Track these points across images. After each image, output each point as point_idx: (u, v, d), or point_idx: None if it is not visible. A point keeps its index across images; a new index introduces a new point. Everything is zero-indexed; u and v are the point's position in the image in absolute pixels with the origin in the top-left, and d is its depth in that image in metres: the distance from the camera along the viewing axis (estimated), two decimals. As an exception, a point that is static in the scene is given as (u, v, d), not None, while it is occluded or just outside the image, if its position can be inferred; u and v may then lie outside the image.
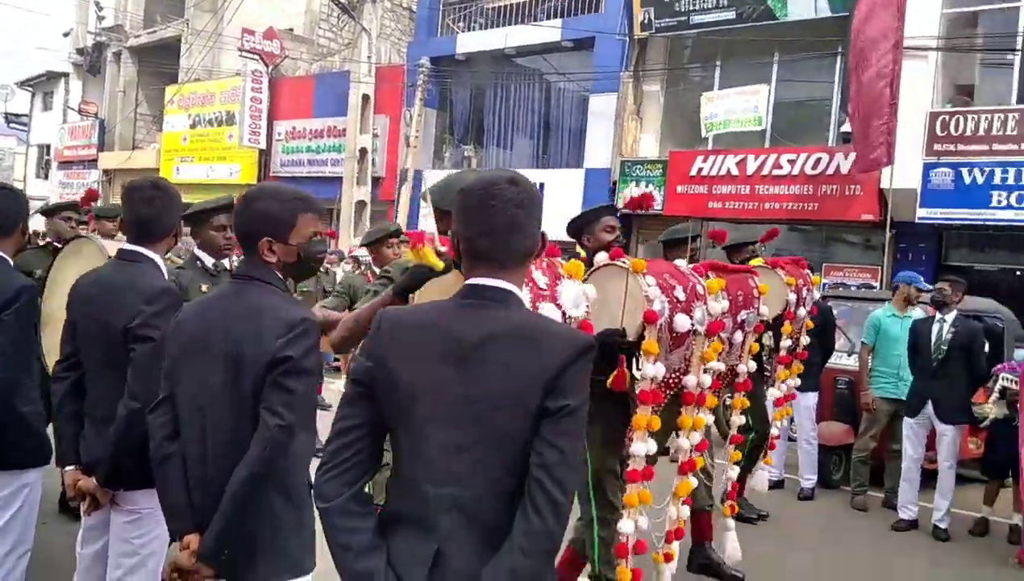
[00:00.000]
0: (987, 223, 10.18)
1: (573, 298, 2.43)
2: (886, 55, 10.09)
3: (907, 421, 6.01)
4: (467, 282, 1.64)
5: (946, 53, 10.98)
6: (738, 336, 3.64)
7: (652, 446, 3.04)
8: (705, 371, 3.28)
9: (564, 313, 2.36)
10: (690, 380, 3.21)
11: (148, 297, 2.46)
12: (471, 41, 16.40)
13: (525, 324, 1.59)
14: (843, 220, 11.47)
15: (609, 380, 2.83)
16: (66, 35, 28.30)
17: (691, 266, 3.59)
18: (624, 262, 3.05)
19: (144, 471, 2.25)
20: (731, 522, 4.23)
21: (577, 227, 3.84)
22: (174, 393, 2.14)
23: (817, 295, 4.93)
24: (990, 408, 5.64)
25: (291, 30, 21.71)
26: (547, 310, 2.27)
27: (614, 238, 3.65)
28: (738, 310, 3.61)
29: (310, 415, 2.17)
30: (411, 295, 2.36)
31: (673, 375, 3.13)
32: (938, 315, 5.94)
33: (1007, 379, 5.71)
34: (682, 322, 3.01)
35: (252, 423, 2.02)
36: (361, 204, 17.37)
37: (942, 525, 5.82)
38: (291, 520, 2.09)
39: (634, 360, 2.97)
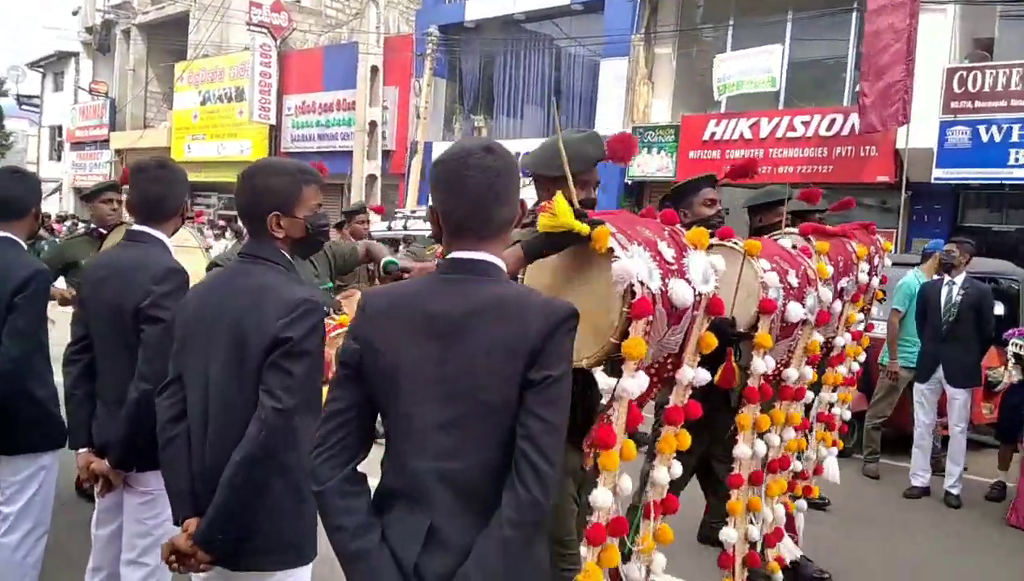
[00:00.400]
0: (1004, 182, 10.01)
1: (702, 272, 2.27)
2: (902, 8, 9.88)
3: (918, 387, 5.95)
4: (448, 256, 1.63)
5: (964, 6, 10.73)
6: (837, 306, 3.38)
7: (760, 447, 2.84)
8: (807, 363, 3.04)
9: (694, 289, 2.22)
10: (791, 373, 3.01)
11: (157, 277, 2.46)
12: (480, 7, 16.20)
13: (505, 296, 1.58)
14: (858, 182, 11.31)
15: (716, 376, 2.57)
16: (75, 13, 28.27)
17: (788, 233, 3.36)
18: (737, 243, 2.80)
19: (156, 452, 2.23)
20: (803, 503, 3.88)
21: (673, 200, 3.36)
22: (181, 375, 2.13)
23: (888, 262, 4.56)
24: (1004, 372, 5.59)
25: (298, 2, 21.58)
26: (678, 288, 2.15)
27: (714, 213, 3.24)
28: (838, 278, 3.37)
29: (312, 398, 2.12)
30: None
31: (775, 368, 2.90)
32: (947, 278, 5.87)
33: (1017, 345, 5.65)
34: (795, 311, 2.81)
35: (253, 405, 2.00)
36: (372, 178, 17.35)
37: (954, 491, 5.78)
38: (291, 505, 2.07)
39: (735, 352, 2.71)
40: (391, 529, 1.59)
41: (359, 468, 1.66)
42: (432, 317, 1.57)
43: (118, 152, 25.30)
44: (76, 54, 28.63)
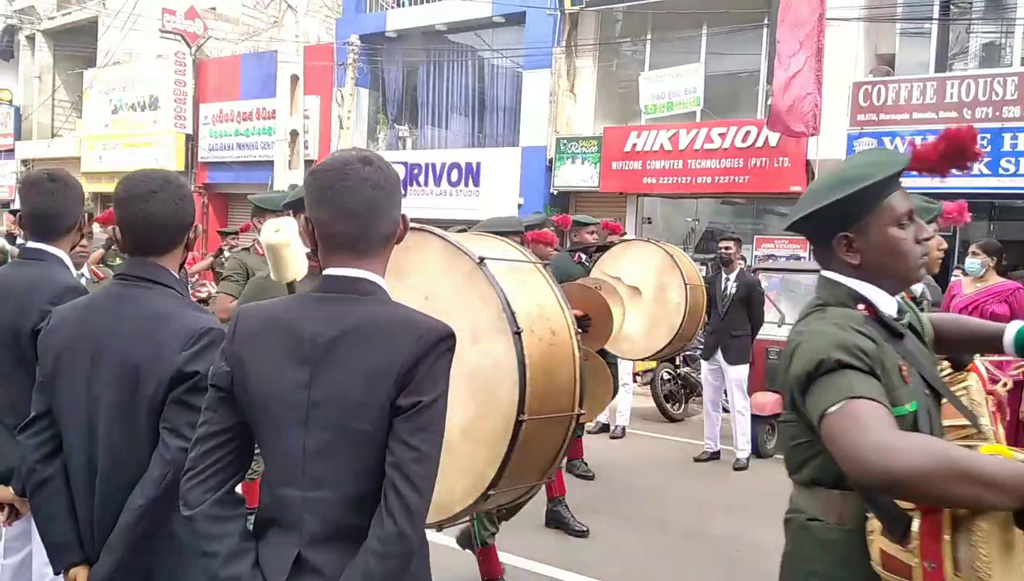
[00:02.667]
0: (910, 191, 10.49)
1: None
2: (810, 23, 10.29)
3: None
4: (324, 273, 1.56)
5: (868, 24, 11.26)
6: None
7: None
8: None
9: None
10: None
11: (54, 296, 2.31)
12: (401, 17, 16.16)
13: (378, 317, 1.51)
14: (773, 192, 11.73)
15: None
16: (-26, 18, 26.91)
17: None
18: None
19: None
20: None
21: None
22: (51, 409, 1.94)
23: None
24: None
25: (214, 9, 21.06)
26: None
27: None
28: None
29: None
30: None
31: None
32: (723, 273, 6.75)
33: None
34: None
35: (148, 443, 1.85)
36: (294, 187, 17.01)
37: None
38: (191, 544, 1.91)
39: None
40: (264, 555, 1.54)
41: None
42: (302, 339, 1.50)
43: (24, 162, 24.13)
44: (-24, 60, 27.26)
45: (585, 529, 5.04)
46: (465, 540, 4.13)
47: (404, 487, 1.42)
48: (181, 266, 2.10)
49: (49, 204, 2.49)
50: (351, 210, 1.52)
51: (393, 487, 1.42)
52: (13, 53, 24.79)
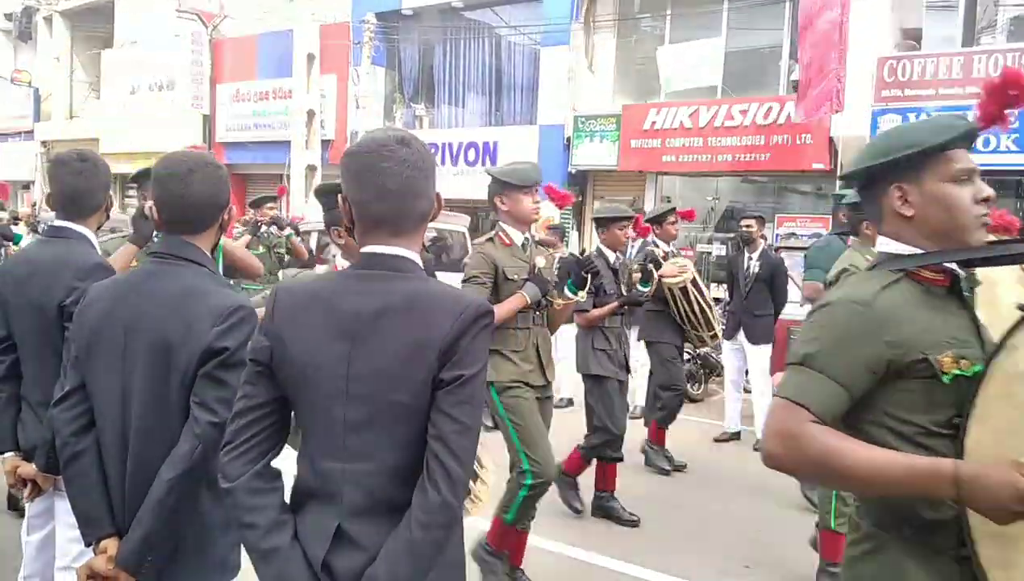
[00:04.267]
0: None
1: None
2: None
3: None
4: (363, 251, 1.60)
5: (893, -2, 11.04)
6: None
7: None
8: None
9: None
10: None
11: (81, 273, 2.35)
12: (418, -5, 16.03)
13: (418, 293, 1.55)
14: (795, 170, 11.57)
15: None
16: (-8, -1, 27.00)
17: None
18: None
19: None
20: None
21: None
22: (85, 384, 1.98)
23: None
24: None
25: (230, -12, 20.99)
26: None
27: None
28: None
29: None
30: None
31: None
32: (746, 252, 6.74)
33: None
34: None
35: (179, 418, 1.89)
36: (311, 168, 17.02)
37: None
38: (219, 518, 1.98)
39: None
40: (303, 527, 1.57)
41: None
42: (343, 315, 1.54)
43: (44, 143, 24.31)
44: (-6, 42, 27.38)
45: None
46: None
47: (447, 458, 1.46)
48: (215, 247, 2.13)
49: (78, 183, 2.52)
50: (390, 191, 1.56)
51: (436, 458, 1.46)
52: (31, 34, 24.87)
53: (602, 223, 5.11)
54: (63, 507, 2.48)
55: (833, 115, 10.40)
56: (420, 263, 1.61)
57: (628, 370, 5.05)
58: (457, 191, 14.55)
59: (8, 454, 2.52)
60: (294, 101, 17.03)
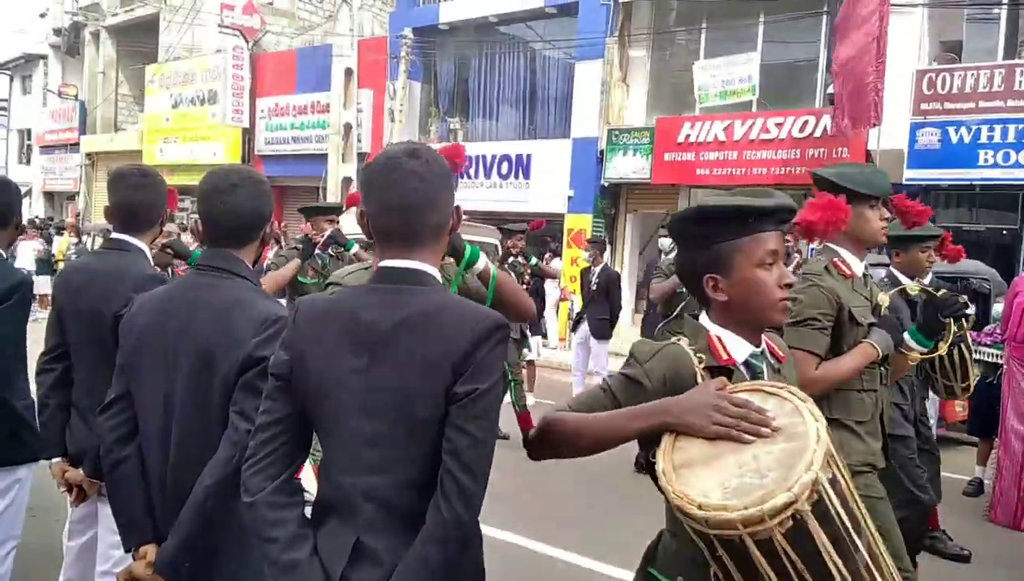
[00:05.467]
0: (974, 183, 10.17)
1: None
2: (873, 12, 9.99)
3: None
4: (379, 265, 1.60)
5: (932, 9, 10.89)
6: None
7: None
8: None
9: None
10: None
11: (137, 284, 2.40)
12: (454, 10, 16.18)
13: (434, 307, 1.53)
14: (831, 183, 11.43)
15: None
16: (43, 16, 27.82)
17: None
18: None
19: None
20: None
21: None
22: (129, 391, 2.02)
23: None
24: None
25: (271, 3, 21.41)
26: None
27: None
28: None
29: None
30: None
31: None
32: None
33: (979, 352, 5.78)
34: None
35: (220, 426, 1.91)
36: (347, 181, 17.24)
37: None
38: (255, 533, 2.00)
39: None
40: (323, 541, 1.56)
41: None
42: (360, 328, 1.53)
43: (89, 156, 24.93)
44: (44, 57, 28.17)
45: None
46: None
47: (460, 473, 1.44)
48: (256, 261, 2.16)
49: (137, 197, 2.59)
50: (398, 204, 1.56)
51: (450, 473, 1.45)
52: (79, 49, 25.56)
53: (900, 242, 4.23)
54: (106, 512, 2.53)
55: (871, 129, 10.30)
56: (438, 276, 1.60)
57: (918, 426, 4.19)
58: (490, 204, 14.63)
59: (56, 459, 2.59)
60: (332, 115, 17.27)
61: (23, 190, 3.21)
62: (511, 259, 7.08)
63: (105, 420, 2.02)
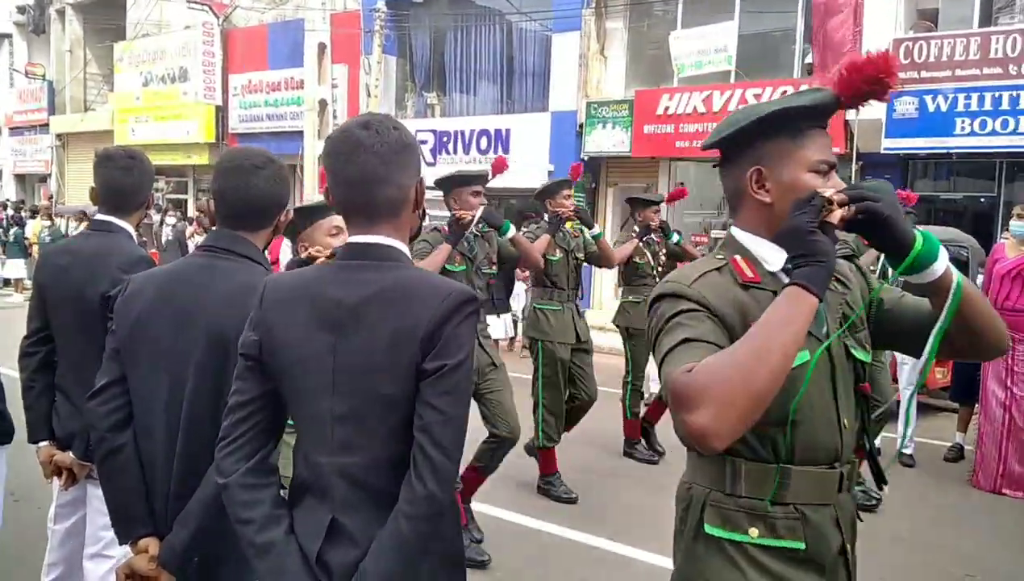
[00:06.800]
0: (951, 151, 10.25)
1: None
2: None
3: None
4: (347, 240, 1.57)
5: (909, -22, 10.91)
6: None
7: None
8: None
9: None
10: None
11: (126, 265, 2.38)
12: (428, -18, 15.98)
13: (400, 282, 1.50)
14: (810, 153, 11.46)
15: None
16: (5, -7, 27.10)
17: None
18: None
19: None
20: None
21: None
22: (124, 377, 1.93)
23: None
24: None
25: (240, -22, 20.99)
26: None
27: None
28: None
29: None
30: None
31: None
32: None
33: None
34: None
35: None
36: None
37: (907, 451, 5.99)
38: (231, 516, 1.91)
39: None
40: (299, 521, 1.55)
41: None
42: (327, 306, 1.50)
43: (59, 136, 24.44)
44: (9, 36, 27.45)
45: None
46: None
47: (432, 450, 1.43)
48: (265, 248, 2.10)
49: (125, 179, 2.56)
50: (348, 177, 1.52)
51: (421, 450, 1.43)
52: (44, 27, 24.96)
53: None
54: (96, 494, 2.50)
55: (848, 98, 10.32)
56: (405, 251, 1.57)
57: None
58: (470, 179, 14.55)
59: (43, 443, 2.56)
60: (306, 91, 17.04)
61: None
62: (646, 236, 5.96)
63: (98, 406, 1.93)
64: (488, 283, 4.33)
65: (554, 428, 5.04)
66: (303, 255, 2.55)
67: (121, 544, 1.97)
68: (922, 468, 5.95)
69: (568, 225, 5.14)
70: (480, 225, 4.21)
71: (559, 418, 5.07)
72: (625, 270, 5.97)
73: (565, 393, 5.11)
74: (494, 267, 4.42)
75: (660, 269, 6.03)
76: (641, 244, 5.90)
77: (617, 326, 6.09)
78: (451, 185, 4.16)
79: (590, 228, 5.19)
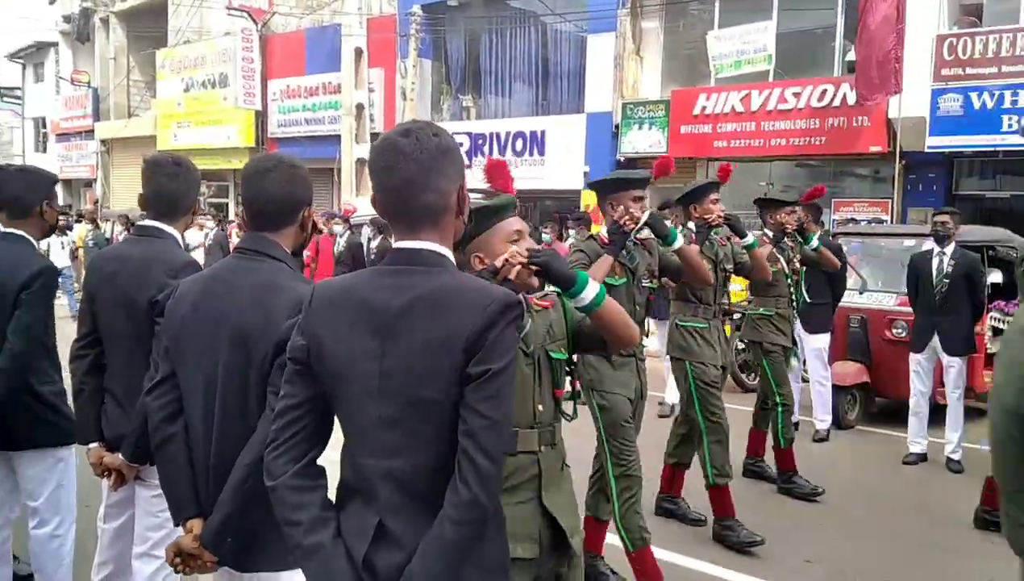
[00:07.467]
0: (997, 149, 10.01)
1: None
2: (891, -24, 9.83)
3: (913, 356, 6.01)
4: (394, 246, 1.60)
5: (952, -27, 10.68)
6: None
7: None
8: None
9: None
10: None
11: (173, 270, 2.45)
12: (463, -15, 16.05)
13: (445, 287, 1.52)
14: (851, 153, 11.30)
15: None
16: (51, 3, 27.79)
17: None
18: None
19: None
20: None
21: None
22: (174, 372, 2.08)
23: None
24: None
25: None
26: None
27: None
28: None
29: None
30: None
31: None
32: (936, 249, 5.91)
33: (995, 319, 5.72)
34: None
35: (258, 405, 1.96)
36: (361, 162, 17.20)
37: (955, 457, 5.86)
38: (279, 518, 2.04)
39: None
40: (346, 524, 1.58)
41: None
42: (373, 311, 1.53)
43: (104, 142, 25.03)
44: (55, 44, 28.19)
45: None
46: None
47: (477, 455, 1.44)
48: (303, 248, 2.20)
49: (172, 186, 2.63)
50: (389, 184, 1.56)
51: (466, 454, 1.45)
52: (89, 36, 25.56)
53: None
54: (144, 495, 2.59)
55: (891, 96, 10.14)
56: (449, 256, 1.59)
57: None
58: (505, 181, 14.54)
59: (93, 444, 2.63)
60: (343, 95, 17.21)
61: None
62: (780, 242, 5.37)
63: (152, 400, 2.09)
64: (648, 299, 3.80)
65: (723, 459, 4.39)
66: (479, 267, 2.03)
67: (175, 525, 2.09)
68: (971, 474, 5.81)
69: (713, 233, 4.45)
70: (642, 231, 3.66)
71: (726, 446, 4.43)
72: (755, 279, 5.23)
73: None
74: (655, 280, 3.87)
75: (795, 277, 5.45)
76: (775, 250, 5.28)
77: (748, 341, 5.57)
78: (609, 189, 3.66)
79: (742, 236, 4.54)
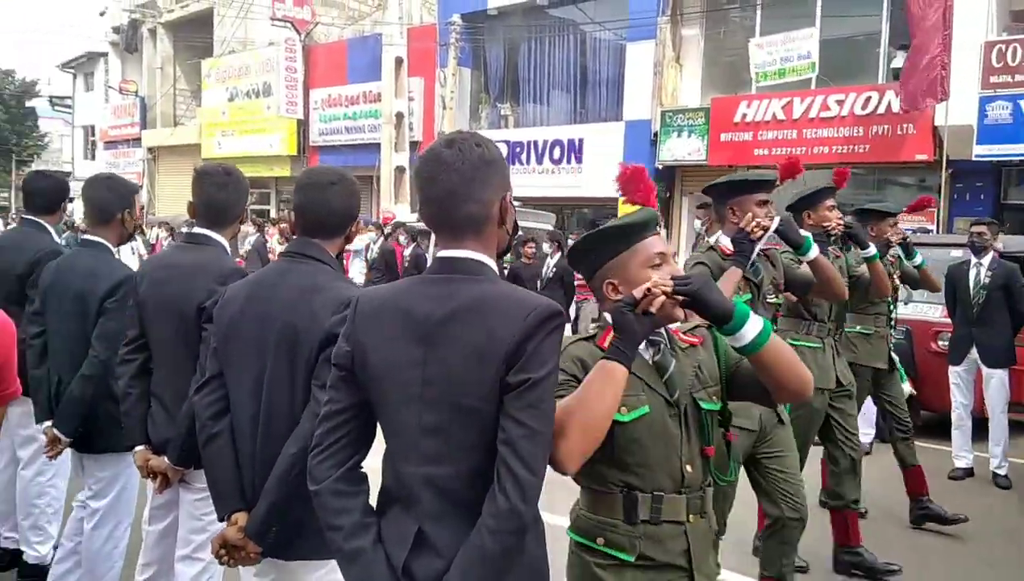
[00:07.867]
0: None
1: None
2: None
3: (953, 369, 5.88)
4: (437, 255, 1.62)
5: (1002, -22, 10.46)
6: None
7: None
8: None
9: None
10: None
11: (221, 277, 2.48)
12: (503, -6, 16.13)
13: (486, 296, 1.52)
14: (896, 161, 11.11)
15: None
16: (102, 14, 28.58)
17: None
18: None
19: None
20: None
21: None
22: (223, 371, 2.15)
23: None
24: None
25: (321, -5, 21.61)
26: None
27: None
28: None
29: None
30: None
31: None
32: (974, 259, 5.79)
33: None
34: None
35: (304, 399, 2.03)
36: (400, 170, 17.36)
37: (1001, 472, 5.71)
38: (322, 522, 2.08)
39: None
40: (386, 530, 1.58)
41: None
42: (416, 319, 1.54)
43: (150, 150, 25.61)
44: (105, 54, 28.97)
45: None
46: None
47: (516, 464, 1.43)
48: (338, 256, 2.29)
49: (221, 195, 2.67)
50: (431, 194, 1.58)
51: (505, 464, 1.44)
52: (137, 46, 26.21)
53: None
54: (188, 499, 2.62)
55: (937, 103, 9.95)
56: (492, 265, 1.59)
57: None
58: (542, 189, 14.58)
59: (139, 448, 2.67)
60: (383, 104, 17.39)
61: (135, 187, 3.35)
62: (888, 254, 4.69)
63: (201, 398, 2.16)
64: (775, 317, 3.44)
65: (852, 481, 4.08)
66: (615, 298, 1.81)
67: (219, 520, 2.14)
68: (1019, 489, 5.66)
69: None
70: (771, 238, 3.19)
71: (853, 469, 4.09)
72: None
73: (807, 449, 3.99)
74: (780, 295, 3.45)
75: (894, 295, 4.90)
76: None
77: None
78: (731, 192, 3.20)
79: (863, 247, 4.11)
